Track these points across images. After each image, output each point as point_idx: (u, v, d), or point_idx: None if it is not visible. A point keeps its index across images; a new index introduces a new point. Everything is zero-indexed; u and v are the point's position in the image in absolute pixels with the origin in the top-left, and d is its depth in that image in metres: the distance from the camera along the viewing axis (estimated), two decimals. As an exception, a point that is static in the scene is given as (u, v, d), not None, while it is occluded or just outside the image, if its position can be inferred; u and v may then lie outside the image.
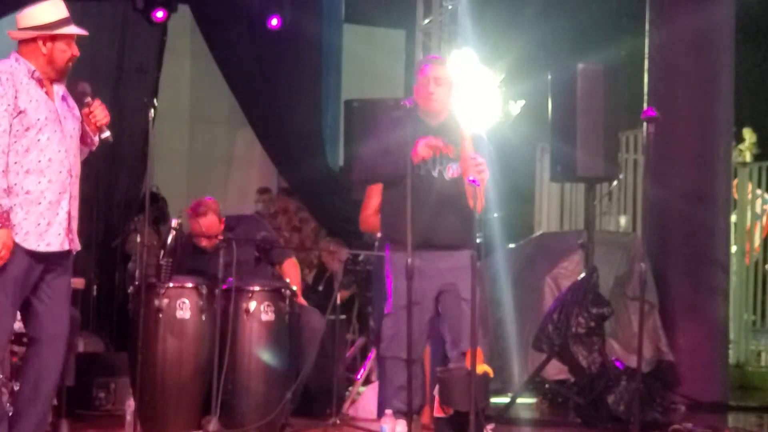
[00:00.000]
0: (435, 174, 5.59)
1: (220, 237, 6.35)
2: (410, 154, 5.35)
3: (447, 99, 5.70)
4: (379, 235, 6.67)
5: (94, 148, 4.97)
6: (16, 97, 4.61)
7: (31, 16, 4.75)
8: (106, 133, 4.87)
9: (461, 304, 5.48)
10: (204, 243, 6.47)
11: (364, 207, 6.42)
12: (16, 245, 4.59)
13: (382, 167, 5.60)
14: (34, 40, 4.73)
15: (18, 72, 4.67)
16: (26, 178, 4.65)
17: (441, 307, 5.63)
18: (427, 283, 5.52)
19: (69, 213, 4.75)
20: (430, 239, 5.50)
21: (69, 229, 4.75)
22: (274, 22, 9.15)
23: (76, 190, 4.80)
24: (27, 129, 4.64)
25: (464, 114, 5.72)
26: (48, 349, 4.75)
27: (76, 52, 4.80)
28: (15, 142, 4.63)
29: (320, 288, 9.27)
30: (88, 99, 4.85)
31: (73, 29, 4.77)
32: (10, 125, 4.60)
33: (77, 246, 4.82)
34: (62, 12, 4.77)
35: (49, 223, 4.68)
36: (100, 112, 4.84)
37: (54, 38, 4.73)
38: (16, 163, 4.63)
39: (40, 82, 4.71)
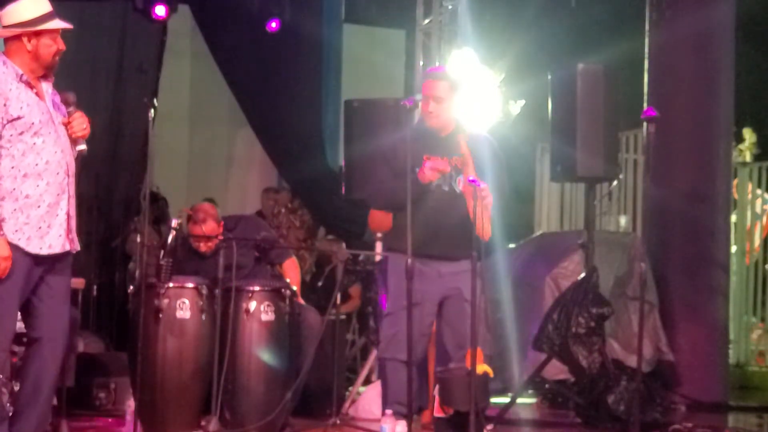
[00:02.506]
0: (446, 187, 5.59)
1: (220, 237, 6.35)
2: (418, 175, 5.38)
3: (450, 111, 5.69)
4: (379, 234, 6.67)
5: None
6: (5, 105, 4.59)
7: (14, 14, 4.70)
8: (82, 146, 4.78)
9: (465, 307, 5.48)
10: (203, 248, 6.46)
11: None
12: (17, 248, 4.59)
13: (395, 195, 5.59)
14: (18, 37, 4.69)
15: (6, 78, 4.62)
16: (24, 182, 4.63)
17: (444, 310, 5.64)
18: (428, 285, 5.53)
19: (68, 213, 4.75)
20: (435, 250, 5.52)
21: (69, 230, 4.74)
22: (273, 25, 9.16)
23: (73, 189, 4.78)
24: (21, 133, 4.61)
25: (466, 115, 5.72)
26: (48, 349, 4.74)
27: (62, 46, 4.76)
28: (10, 147, 4.61)
29: (320, 284, 9.27)
30: (71, 109, 4.79)
31: (57, 23, 4.73)
32: (1, 135, 4.58)
33: (77, 246, 4.81)
34: (45, 7, 4.73)
35: (49, 226, 4.67)
36: (77, 124, 4.76)
37: (38, 34, 4.68)
38: (13, 167, 4.61)
39: (28, 85, 4.69)
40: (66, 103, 4.80)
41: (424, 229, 5.40)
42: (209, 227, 6.45)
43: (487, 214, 5.43)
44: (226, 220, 6.61)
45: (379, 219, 6.34)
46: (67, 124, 4.77)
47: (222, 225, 6.52)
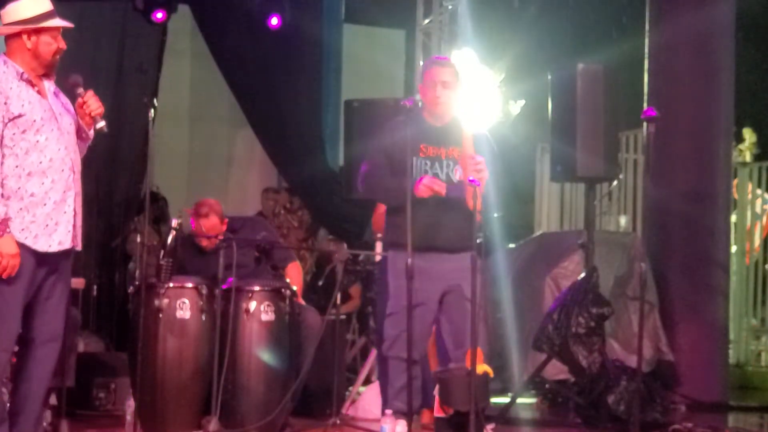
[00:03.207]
0: (442, 177, 5.59)
1: (220, 237, 6.36)
2: (414, 183, 5.37)
3: (453, 101, 5.70)
4: (379, 235, 6.66)
5: (89, 141, 4.92)
6: (6, 103, 4.59)
7: (15, 12, 4.70)
8: (101, 123, 4.80)
9: (465, 305, 5.48)
10: (204, 243, 6.49)
11: (379, 206, 6.42)
12: (23, 247, 4.59)
13: (388, 194, 5.61)
14: (18, 35, 4.68)
15: (7, 76, 4.63)
16: (29, 180, 4.63)
17: (444, 307, 5.63)
18: (431, 284, 5.52)
19: (75, 210, 4.75)
20: (437, 242, 5.51)
21: (74, 226, 4.75)
22: (274, 21, 9.16)
23: (78, 187, 4.78)
24: (24, 131, 4.61)
25: (465, 113, 5.72)
26: (43, 350, 4.74)
27: (62, 45, 4.76)
28: (13, 145, 4.61)
29: (320, 284, 9.27)
30: (80, 90, 4.80)
31: (57, 22, 4.72)
32: (3, 134, 4.58)
33: (79, 244, 4.82)
34: (46, 5, 4.73)
35: (57, 223, 4.68)
36: (93, 102, 4.79)
37: (38, 32, 4.68)
38: (17, 166, 4.61)
39: (30, 83, 4.68)
40: (75, 85, 4.81)
41: (424, 222, 5.39)
42: (212, 222, 6.48)
43: (480, 189, 5.42)
44: (233, 221, 6.63)
45: (383, 220, 6.34)
46: (82, 104, 4.77)
47: (226, 223, 6.55)
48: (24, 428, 4.71)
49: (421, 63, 9.45)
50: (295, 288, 6.32)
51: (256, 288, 6.07)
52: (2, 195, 4.56)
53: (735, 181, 9.78)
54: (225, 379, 5.85)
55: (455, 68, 5.78)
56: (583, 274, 7.28)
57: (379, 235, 7.00)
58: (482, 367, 5.24)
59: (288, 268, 6.72)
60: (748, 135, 10.85)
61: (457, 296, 5.57)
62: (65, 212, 4.70)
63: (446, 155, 5.63)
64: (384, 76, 10.59)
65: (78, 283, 6.17)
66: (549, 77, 7.69)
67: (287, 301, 6.12)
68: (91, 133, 4.87)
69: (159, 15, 8.87)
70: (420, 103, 5.77)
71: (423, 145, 5.60)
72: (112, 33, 9.05)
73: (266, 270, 6.64)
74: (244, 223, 6.76)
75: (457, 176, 5.60)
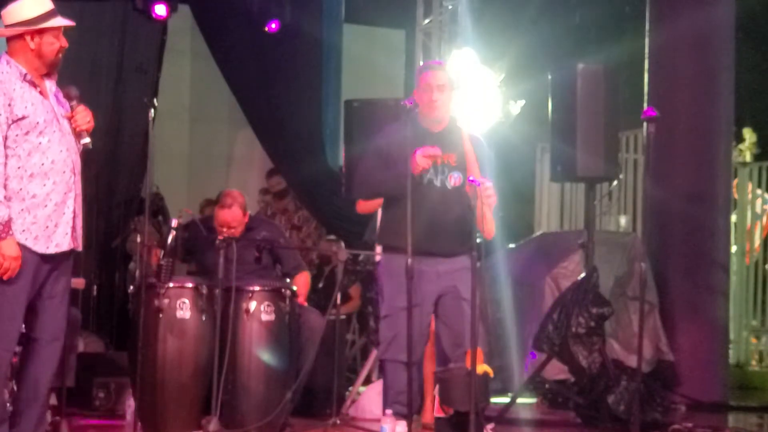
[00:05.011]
0: (437, 183, 5.58)
1: (231, 234, 6.38)
2: (410, 166, 5.35)
3: (449, 104, 5.69)
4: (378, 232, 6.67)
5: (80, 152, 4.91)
6: (10, 105, 4.59)
7: (16, 12, 4.70)
8: (86, 140, 4.78)
9: (461, 305, 5.48)
10: (226, 234, 6.50)
11: None
12: (24, 248, 4.59)
13: (383, 184, 5.61)
14: (21, 36, 4.68)
15: (10, 77, 4.62)
16: (31, 182, 4.63)
17: (440, 309, 5.63)
18: (426, 285, 5.52)
19: (74, 212, 4.75)
20: (431, 248, 5.49)
21: (74, 228, 4.75)
22: (273, 26, 9.16)
23: (79, 188, 4.78)
24: (27, 133, 4.61)
25: (464, 118, 5.72)
26: (46, 350, 4.75)
27: (64, 43, 4.75)
28: (16, 147, 4.61)
29: (320, 285, 9.27)
30: (73, 103, 4.80)
31: (59, 21, 4.72)
32: (6, 135, 4.58)
33: (79, 245, 4.81)
34: (47, 4, 4.72)
35: (56, 225, 4.68)
36: (81, 118, 4.77)
37: (41, 32, 4.68)
38: (19, 168, 4.61)
39: (32, 84, 4.68)
40: (68, 98, 4.81)
41: (420, 227, 5.39)
42: (235, 213, 6.55)
43: (490, 213, 5.43)
44: (251, 220, 6.69)
45: (370, 202, 6.35)
46: (70, 118, 4.77)
47: (248, 215, 6.60)
48: (25, 428, 4.71)
49: (422, 63, 9.47)
50: (295, 288, 6.32)
51: (256, 288, 6.07)
52: (5, 197, 4.56)
53: (735, 181, 9.79)
54: (225, 379, 5.85)
55: (449, 72, 5.78)
56: (583, 274, 7.28)
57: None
58: (482, 367, 5.25)
59: (297, 277, 6.72)
60: (748, 135, 10.86)
61: (452, 297, 5.57)
62: (65, 214, 4.71)
63: (442, 161, 5.62)
64: (384, 76, 10.59)
65: (78, 283, 6.17)
66: (549, 77, 7.68)
67: (287, 301, 6.12)
68: (79, 146, 4.83)
69: (161, 10, 8.81)
70: (417, 107, 5.77)
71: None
72: (112, 33, 9.04)
73: (271, 269, 6.66)
74: (261, 223, 6.82)
75: (452, 182, 5.59)
